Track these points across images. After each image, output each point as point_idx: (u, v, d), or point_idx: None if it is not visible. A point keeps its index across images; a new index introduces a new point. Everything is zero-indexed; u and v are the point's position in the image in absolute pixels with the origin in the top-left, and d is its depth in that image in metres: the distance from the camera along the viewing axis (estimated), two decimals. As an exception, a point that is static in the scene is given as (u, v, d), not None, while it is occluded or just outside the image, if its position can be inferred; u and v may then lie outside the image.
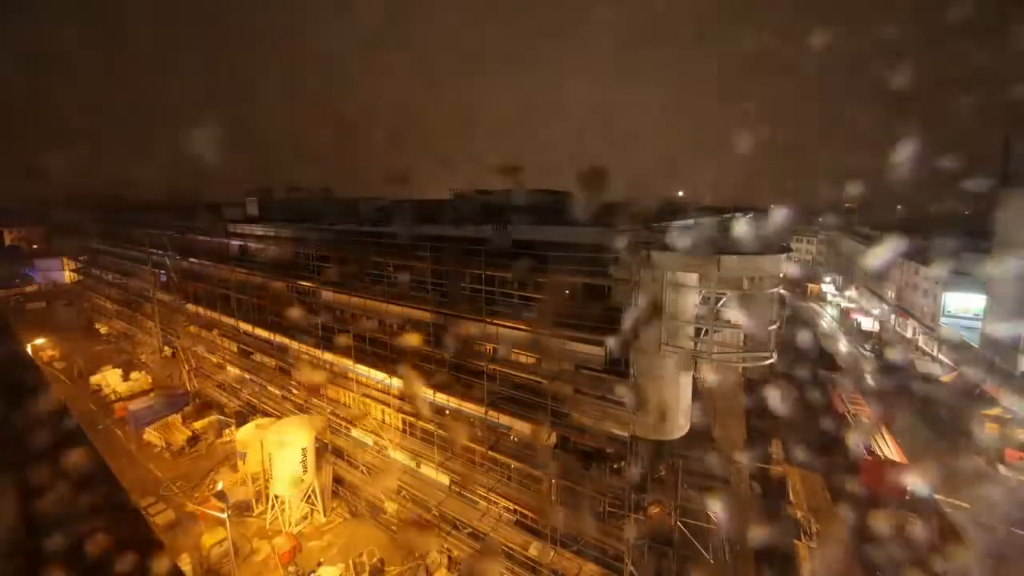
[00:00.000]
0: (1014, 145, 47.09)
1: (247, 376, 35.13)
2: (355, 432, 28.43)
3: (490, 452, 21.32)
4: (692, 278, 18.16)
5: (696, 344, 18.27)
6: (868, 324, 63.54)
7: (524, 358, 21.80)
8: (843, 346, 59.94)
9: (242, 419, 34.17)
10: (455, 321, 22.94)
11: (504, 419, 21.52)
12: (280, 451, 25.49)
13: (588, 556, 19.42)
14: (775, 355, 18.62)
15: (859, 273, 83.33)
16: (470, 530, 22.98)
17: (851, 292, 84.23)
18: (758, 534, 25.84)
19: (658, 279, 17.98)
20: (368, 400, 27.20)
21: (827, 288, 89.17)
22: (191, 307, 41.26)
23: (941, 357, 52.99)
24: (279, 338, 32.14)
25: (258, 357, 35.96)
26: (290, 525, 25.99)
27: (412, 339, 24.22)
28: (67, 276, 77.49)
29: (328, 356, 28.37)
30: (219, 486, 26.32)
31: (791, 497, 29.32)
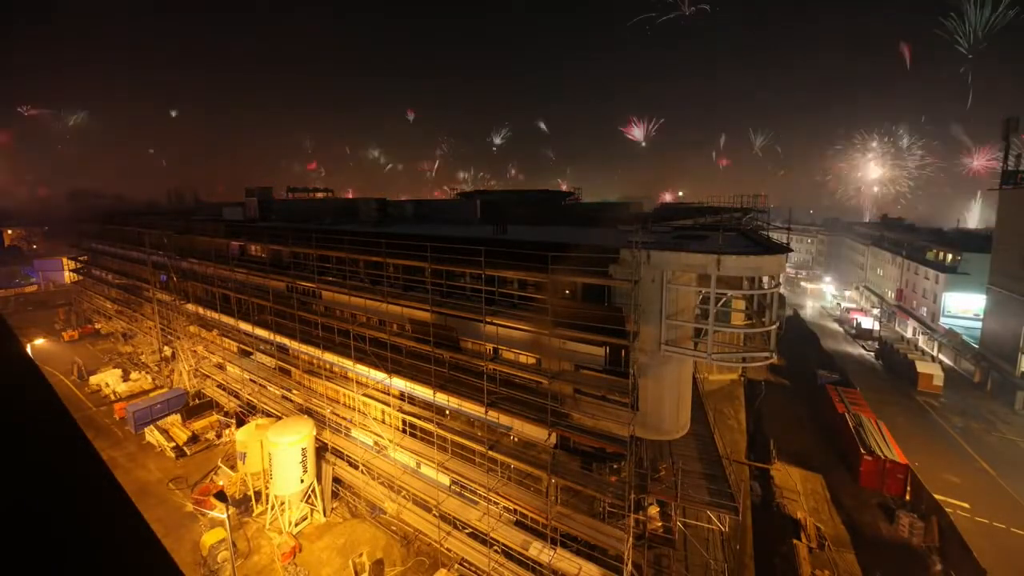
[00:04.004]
0: (1013, 145, 47.09)
1: (247, 376, 35.12)
2: (355, 432, 28.42)
3: (490, 452, 21.31)
4: (692, 278, 18.16)
5: (696, 344, 18.28)
6: (868, 324, 63.56)
7: (524, 358, 21.80)
8: (843, 346, 59.96)
9: (242, 419, 34.19)
10: (455, 321, 22.93)
11: (504, 419, 21.51)
12: (280, 451, 25.49)
13: (588, 556, 19.43)
14: (775, 355, 18.64)
15: (859, 272, 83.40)
16: (470, 530, 23.00)
17: (851, 292, 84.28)
18: (757, 534, 25.88)
19: (658, 279, 17.98)
20: (368, 400, 27.18)
21: (827, 288, 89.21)
22: (191, 307, 41.24)
23: (941, 357, 53.02)
24: (279, 338, 32.12)
25: (258, 357, 35.95)
26: (290, 525, 25.99)
27: (412, 339, 24.23)
28: (67, 276, 77.31)
29: (328, 356, 28.35)
30: (219, 485, 26.35)
31: (791, 497, 29.37)
